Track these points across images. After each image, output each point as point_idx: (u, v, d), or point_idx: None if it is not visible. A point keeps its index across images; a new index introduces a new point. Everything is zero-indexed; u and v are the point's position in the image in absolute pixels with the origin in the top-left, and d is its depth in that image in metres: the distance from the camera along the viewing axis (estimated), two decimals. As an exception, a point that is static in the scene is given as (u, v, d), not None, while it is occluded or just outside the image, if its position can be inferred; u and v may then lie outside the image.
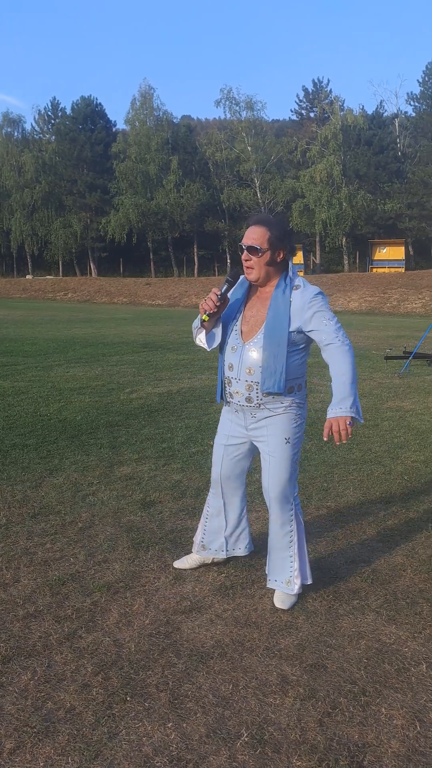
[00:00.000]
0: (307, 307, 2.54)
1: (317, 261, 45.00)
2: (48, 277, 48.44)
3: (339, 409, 2.51)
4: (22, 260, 53.08)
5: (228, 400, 2.73)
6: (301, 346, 2.62)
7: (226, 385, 2.71)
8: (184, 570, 3.06)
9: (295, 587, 2.73)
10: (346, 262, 44.07)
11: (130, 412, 6.46)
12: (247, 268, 2.58)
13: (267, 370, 2.55)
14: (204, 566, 3.09)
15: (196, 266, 47.93)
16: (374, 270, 38.78)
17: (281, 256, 2.59)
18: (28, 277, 48.84)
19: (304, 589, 2.88)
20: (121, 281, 42.03)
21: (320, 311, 2.54)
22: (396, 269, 37.89)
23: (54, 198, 48.49)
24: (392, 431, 5.83)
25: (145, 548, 3.29)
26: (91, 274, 49.60)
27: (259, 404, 2.63)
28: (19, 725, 2.01)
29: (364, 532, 3.55)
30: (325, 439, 2.52)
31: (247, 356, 2.59)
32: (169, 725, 2.02)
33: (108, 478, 4.38)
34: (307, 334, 2.59)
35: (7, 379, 8.28)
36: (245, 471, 2.91)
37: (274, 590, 2.81)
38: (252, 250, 2.54)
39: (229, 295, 2.68)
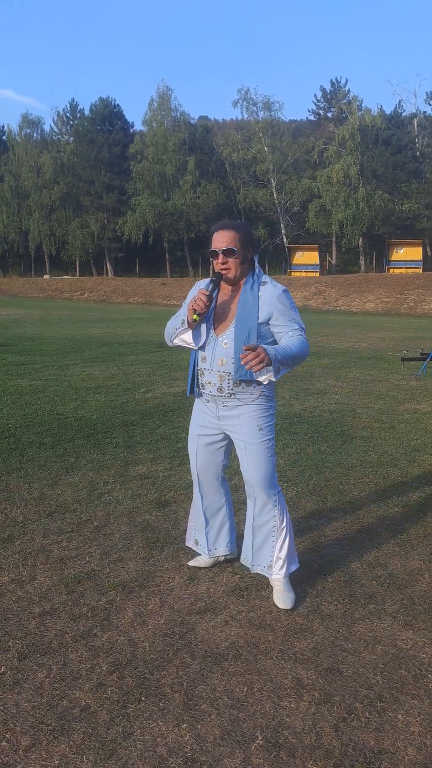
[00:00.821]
0: (275, 302, 2.69)
1: (333, 261, 44.78)
2: (65, 277, 48.77)
3: (271, 348, 2.58)
4: (39, 260, 53.51)
5: (200, 391, 2.87)
6: (270, 340, 2.75)
7: (199, 377, 2.85)
8: (199, 569, 3.07)
9: (274, 570, 2.81)
10: (362, 262, 43.79)
11: (145, 411, 6.48)
12: (226, 269, 2.73)
13: (238, 359, 2.67)
14: (218, 567, 3.09)
15: (211, 267, 47.92)
16: (391, 271, 38.45)
17: (251, 253, 2.78)
18: (45, 277, 49.21)
19: (319, 592, 2.86)
20: (136, 281, 42.18)
21: (286, 311, 2.71)
22: (413, 270, 37.53)
23: (72, 198, 48.81)
24: (409, 434, 5.78)
25: (159, 548, 3.29)
26: (107, 274, 49.84)
27: (230, 394, 2.75)
28: (35, 722, 2.02)
29: (380, 535, 3.52)
30: (243, 349, 2.55)
31: (220, 348, 2.74)
32: (184, 726, 2.01)
33: (123, 477, 4.39)
34: (270, 327, 2.73)
35: (25, 378, 8.34)
36: (221, 465, 2.98)
37: (273, 592, 2.83)
38: (228, 252, 2.71)
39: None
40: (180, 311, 2.84)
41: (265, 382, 2.71)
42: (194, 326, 2.77)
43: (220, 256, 2.71)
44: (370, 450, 5.21)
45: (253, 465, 2.79)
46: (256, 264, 2.81)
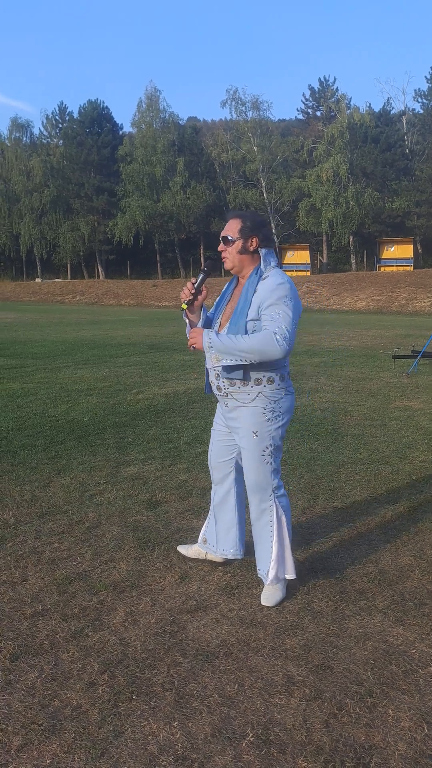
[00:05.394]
0: (264, 295, 2.62)
1: (324, 260, 44.89)
2: (57, 280, 48.65)
3: (212, 332, 2.62)
4: (31, 264, 53.35)
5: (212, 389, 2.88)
6: None
7: (208, 376, 2.84)
8: (186, 558, 3.12)
9: (269, 578, 2.77)
10: (353, 261, 43.93)
11: (137, 412, 6.48)
12: (223, 258, 2.73)
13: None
14: (209, 566, 3.09)
15: (202, 267, 47.86)
16: (382, 269, 38.61)
17: (253, 244, 2.69)
18: (37, 280, 49.06)
19: (310, 589, 2.87)
20: (128, 283, 42.13)
21: (270, 304, 2.59)
22: (404, 268, 37.70)
23: (62, 202, 48.70)
24: (400, 431, 5.81)
25: (151, 548, 3.29)
26: (98, 276, 49.75)
27: (227, 393, 2.73)
28: (27, 722, 2.02)
29: (371, 532, 3.54)
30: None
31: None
32: (175, 724, 2.02)
33: (115, 478, 4.39)
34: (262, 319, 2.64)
35: (17, 381, 8.32)
36: (232, 463, 2.93)
37: (263, 591, 2.83)
38: (225, 240, 2.70)
39: (204, 287, 2.84)
40: None
41: (209, 366, 2.68)
42: (191, 318, 2.83)
43: (221, 243, 2.72)
44: (361, 447, 5.24)
45: (246, 470, 2.77)
46: (262, 257, 2.69)
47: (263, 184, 44.81)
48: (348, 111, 44.00)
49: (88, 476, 4.44)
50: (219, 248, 2.73)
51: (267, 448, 2.72)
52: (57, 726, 2.01)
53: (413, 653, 2.42)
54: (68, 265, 51.69)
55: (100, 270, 50.17)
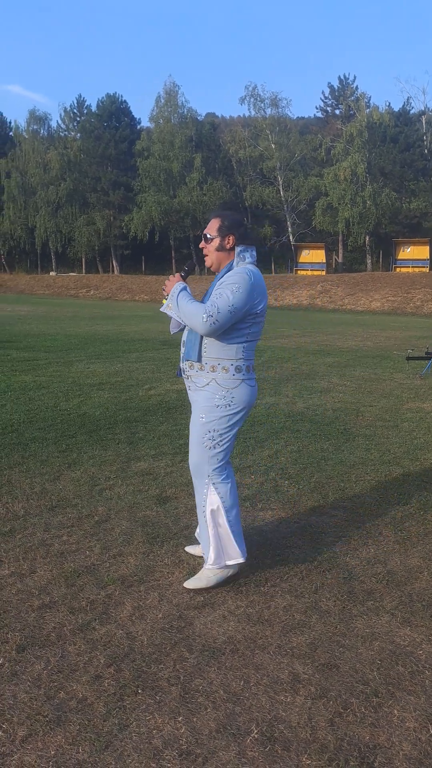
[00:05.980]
0: (223, 281, 2.76)
1: (340, 260, 44.64)
2: (71, 274, 48.82)
3: (183, 286, 2.86)
4: (46, 257, 53.57)
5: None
6: (235, 330, 2.78)
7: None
8: (194, 557, 3.12)
9: (206, 562, 2.84)
10: (369, 261, 43.63)
11: (148, 408, 6.49)
12: (204, 255, 2.87)
13: (188, 342, 2.85)
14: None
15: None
16: (398, 270, 38.31)
17: (230, 242, 2.82)
18: (51, 273, 49.28)
19: (318, 588, 2.86)
20: (142, 279, 42.20)
21: (223, 288, 2.71)
22: (420, 269, 37.36)
23: (78, 195, 48.82)
24: (412, 432, 5.77)
25: (159, 543, 3.30)
26: (113, 271, 49.88)
27: (188, 376, 2.90)
28: (32, 713, 2.03)
29: (380, 533, 3.52)
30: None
31: (184, 332, 2.93)
32: (180, 719, 2.02)
33: (125, 473, 4.41)
34: None
35: (29, 374, 8.37)
36: None
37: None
38: (204, 238, 2.86)
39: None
40: None
41: (161, 309, 2.87)
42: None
43: (202, 240, 2.88)
44: (372, 448, 5.21)
45: (190, 452, 2.92)
46: (236, 254, 2.81)
47: (280, 182, 44.62)
48: (367, 110, 43.64)
49: (98, 470, 4.46)
50: (200, 245, 2.88)
51: (209, 432, 2.81)
52: (62, 718, 2.02)
53: (420, 654, 2.40)
54: (83, 259, 51.87)
55: (114, 265, 50.30)
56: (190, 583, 2.83)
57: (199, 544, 3.16)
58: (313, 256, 40.99)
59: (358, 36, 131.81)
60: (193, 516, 3.66)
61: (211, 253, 2.85)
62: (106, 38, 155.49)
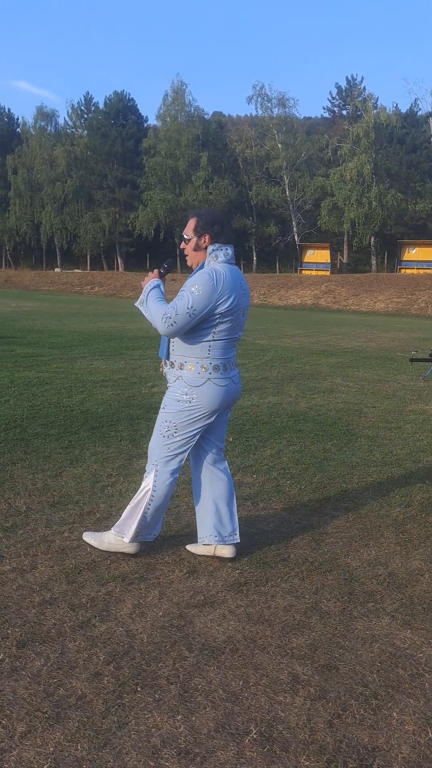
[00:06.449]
0: (187, 281, 2.82)
1: (344, 260, 44.57)
2: (76, 270, 48.85)
3: (157, 283, 2.95)
4: (51, 253, 53.63)
5: None
6: (203, 327, 2.82)
7: None
8: (195, 555, 3.14)
9: (113, 527, 3.04)
10: (373, 262, 43.56)
11: (151, 405, 6.49)
12: (185, 255, 2.92)
13: (162, 340, 2.97)
14: (218, 561, 3.09)
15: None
16: (403, 271, 38.20)
17: (206, 241, 2.86)
18: (56, 270, 49.32)
19: (318, 589, 2.86)
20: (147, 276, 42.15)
21: (184, 290, 2.77)
22: (425, 271, 37.25)
23: (84, 192, 48.85)
24: (415, 434, 5.76)
25: (160, 541, 3.30)
26: (118, 268, 49.88)
27: (165, 372, 3.00)
28: (31, 710, 2.03)
29: (381, 534, 3.51)
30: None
31: None
32: (178, 718, 2.02)
33: (127, 470, 4.41)
34: None
35: (32, 370, 8.38)
36: (199, 444, 3.10)
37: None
38: (183, 238, 2.91)
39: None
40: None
41: (135, 303, 2.97)
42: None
43: (182, 242, 2.93)
44: (375, 449, 5.20)
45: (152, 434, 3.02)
46: (209, 253, 2.83)
47: (286, 182, 44.57)
48: (374, 111, 43.50)
49: (100, 467, 4.46)
50: (181, 246, 2.93)
51: (166, 422, 2.91)
52: (61, 714, 2.02)
53: (420, 657, 2.40)
54: (88, 256, 51.89)
55: (119, 262, 50.30)
56: (87, 535, 3.12)
57: (199, 543, 3.15)
58: (317, 256, 40.92)
59: (366, 37, 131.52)
60: (194, 514, 3.65)
61: (190, 253, 2.90)
62: (115, 36, 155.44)
